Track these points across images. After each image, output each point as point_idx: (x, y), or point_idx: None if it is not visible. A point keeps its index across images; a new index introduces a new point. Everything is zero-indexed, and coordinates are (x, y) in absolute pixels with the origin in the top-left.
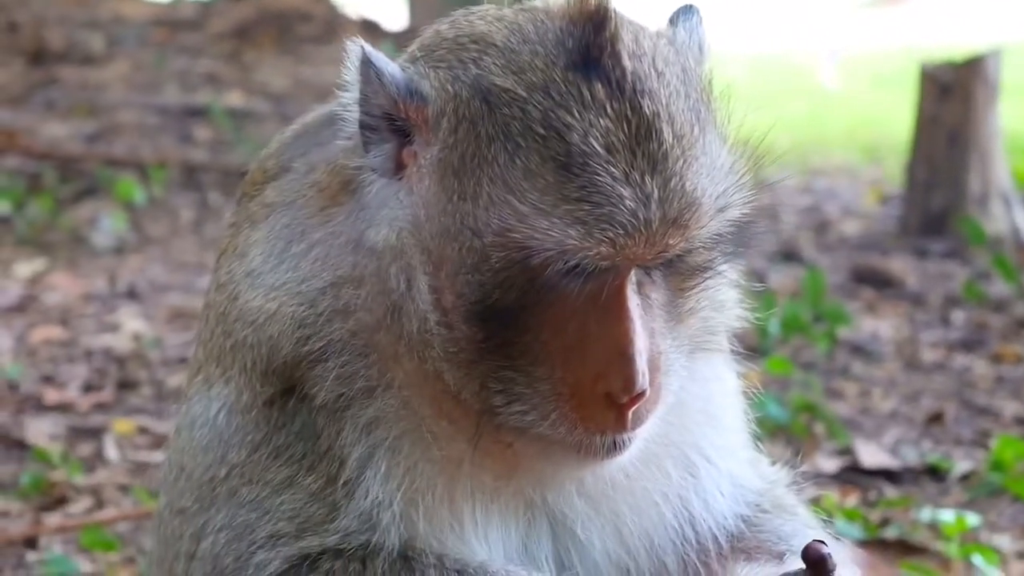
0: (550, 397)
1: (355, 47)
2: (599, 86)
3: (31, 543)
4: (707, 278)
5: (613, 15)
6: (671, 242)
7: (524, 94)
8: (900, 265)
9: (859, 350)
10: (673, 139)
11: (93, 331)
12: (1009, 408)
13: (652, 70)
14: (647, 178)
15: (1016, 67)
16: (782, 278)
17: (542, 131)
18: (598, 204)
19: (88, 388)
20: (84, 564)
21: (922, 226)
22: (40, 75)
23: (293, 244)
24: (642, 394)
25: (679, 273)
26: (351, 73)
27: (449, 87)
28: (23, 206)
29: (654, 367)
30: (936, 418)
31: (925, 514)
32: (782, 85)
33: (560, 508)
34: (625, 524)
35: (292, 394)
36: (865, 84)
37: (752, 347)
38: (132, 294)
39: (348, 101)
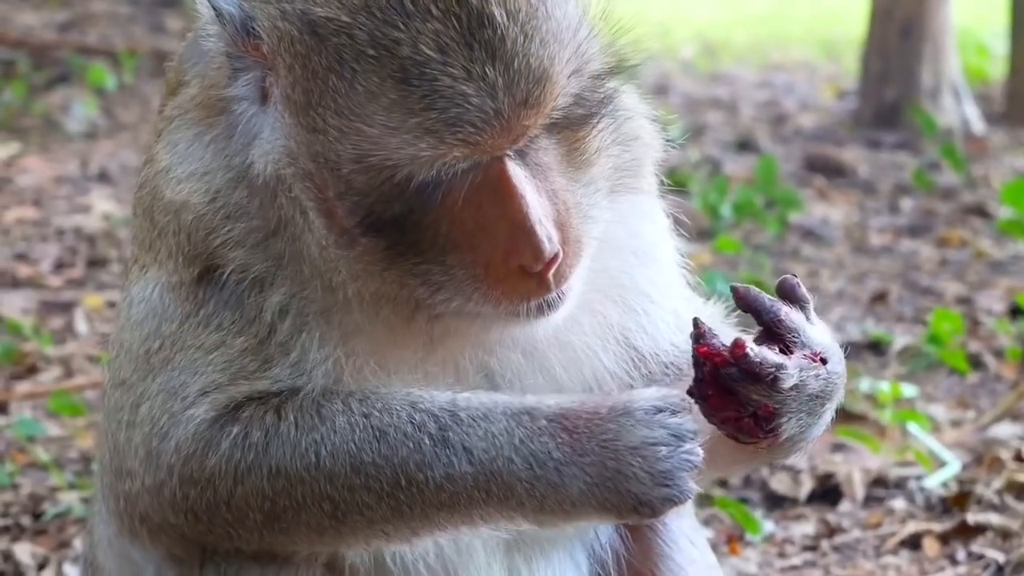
0: (469, 280)
1: None
2: None
3: (2, 408)
4: (595, 123)
5: None
6: (527, 122)
7: (348, 19)
8: (852, 155)
9: (809, 234)
10: (508, 19)
11: (65, 212)
12: (951, 288)
13: None
14: (488, 68)
15: None
16: (737, 166)
17: (373, 52)
18: (443, 109)
19: (60, 265)
20: (52, 428)
21: (875, 118)
22: None
23: (193, 146)
24: (555, 258)
25: (563, 128)
26: (205, 7)
27: (279, 24)
28: None
29: (564, 224)
30: (880, 297)
31: (864, 385)
32: None
33: (496, 369)
34: (562, 376)
35: (214, 272)
36: None
37: (703, 229)
38: (103, 177)
39: (210, 34)
